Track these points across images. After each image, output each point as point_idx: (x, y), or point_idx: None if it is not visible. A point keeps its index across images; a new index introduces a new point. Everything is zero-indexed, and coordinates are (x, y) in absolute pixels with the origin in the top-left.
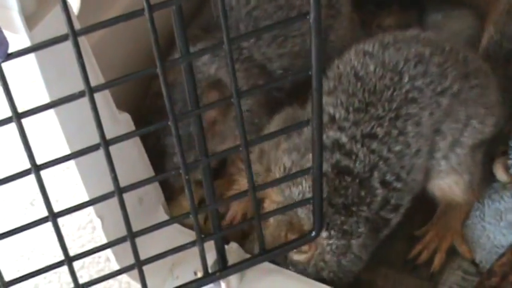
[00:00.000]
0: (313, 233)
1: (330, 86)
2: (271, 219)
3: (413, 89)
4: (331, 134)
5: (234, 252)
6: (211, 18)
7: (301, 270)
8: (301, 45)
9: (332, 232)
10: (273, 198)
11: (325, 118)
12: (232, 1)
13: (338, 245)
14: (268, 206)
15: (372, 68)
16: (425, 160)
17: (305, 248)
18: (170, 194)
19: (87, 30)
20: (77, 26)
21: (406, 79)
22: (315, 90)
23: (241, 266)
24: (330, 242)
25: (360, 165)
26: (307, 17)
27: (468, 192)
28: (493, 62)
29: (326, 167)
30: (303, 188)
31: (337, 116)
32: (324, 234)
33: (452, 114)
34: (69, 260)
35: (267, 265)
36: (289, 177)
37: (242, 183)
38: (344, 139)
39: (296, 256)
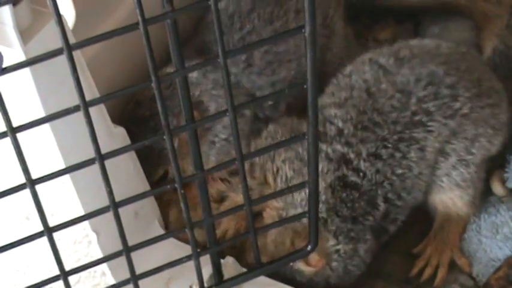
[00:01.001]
0: (309, 247)
1: (341, 98)
2: (273, 230)
3: (421, 112)
4: (338, 148)
5: (229, 266)
6: (205, 43)
7: (308, 279)
8: (296, 69)
9: (340, 238)
10: (274, 205)
11: (334, 131)
12: (226, 26)
13: (346, 249)
14: (268, 214)
15: (384, 86)
16: (427, 180)
17: (312, 261)
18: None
19: (82, 44)
20: (72, 40)
21: (413, 100)
22: (310, 104)
23: (237, 280)
24: (338, 247)
25: (367, 183)
26: (303, 31)
27: (471, 206)
28: (500, 71)
29: (332, 178)
30: (306, 194)
31: (345, 131)
32: (332, 241)
33: (460, 133)
34: (64, 275)
35: (262, 279)
36: (284, 191)
37: (234, 199)
38: (351, 155)
39: (303, 267)
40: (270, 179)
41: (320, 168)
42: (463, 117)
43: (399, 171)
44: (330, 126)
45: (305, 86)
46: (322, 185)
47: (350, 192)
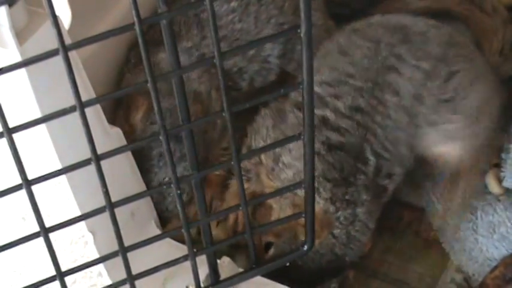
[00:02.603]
0: (306, 247)
1: (317, 66)
2: (273, 204)
3: (390, 56)
4: (318, 113)
5: (226, 266)
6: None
7: (313, 252)
8: (257, 49)
9: (337, 204)
10: (271, 184)
11: None
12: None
13: (345, 215)
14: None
15: (354, 39)
16: (409, 132)
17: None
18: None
19: (78, 44)
20: (68, 40)
21: (382, 45)
22: (306, 104)
23: (233, 280)
24: (338, 215)
25: (351, 139)
26: (298, 31)
27: (474, 157)
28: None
29: (316, 145)
30: (298, 168)
31: (321, 93)
32: (331, 208)
33: (435, 74)
34: (61, 275)
35: (259, 279)
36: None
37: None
38: (328, 113)
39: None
40: (264, 159)
41: None
42: (437, 60)
43: (378, 118)
44: None
45: (301, 87)
46: None
47: (335, 153)
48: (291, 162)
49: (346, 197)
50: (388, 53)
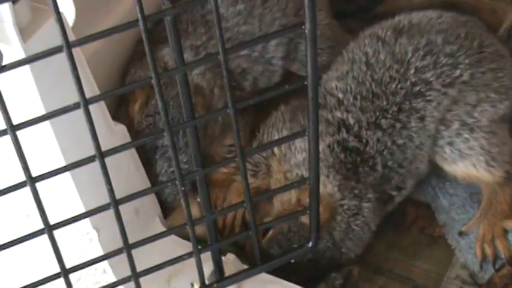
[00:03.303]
0: (311, 243)
1: (342, 72)
2: (279, 185)
3: (420, 82)
4: (337, 115)
5: (231, 263)
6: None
7: None
8: (261, 51)
9: (345, 193)
10: (280, 169)
11: (334, 101)
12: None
13: (350, 205)
14: (275, 180)
15: (382, 56)
16: (429, 150)
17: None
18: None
19: (82, 41)
20: (72, 37)
21: (412, 71)
22: (311, 100)
23: (238, 277)
24: (343, 202)
25: (368, 150)
26: (303, 27)
27: (492, 171)
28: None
29: (331, 140)
30: (307, 153)
31: (345, 101)
32: (338, 195)
33: (461, 100)
34: (65, 272)
35: (264, 276)
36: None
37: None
38: (351, 120)
39: (307, 220)
40: (277, 150)
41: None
42: (463, 84)
43: (400, 141)
44: (330, 98)
45: (305, 83)
46: (320, 145)
47: (350, 155)
48: (302, 147)
49: (355, 191)
50: (417, 79)
